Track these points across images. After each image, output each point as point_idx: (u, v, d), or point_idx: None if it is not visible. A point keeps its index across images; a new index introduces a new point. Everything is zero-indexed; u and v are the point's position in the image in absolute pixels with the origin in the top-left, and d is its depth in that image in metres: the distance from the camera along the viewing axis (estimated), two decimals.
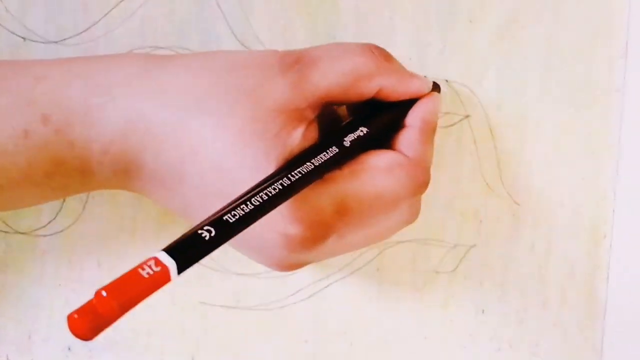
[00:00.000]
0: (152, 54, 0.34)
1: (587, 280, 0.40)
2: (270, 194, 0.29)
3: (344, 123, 0.35)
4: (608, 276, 0.40)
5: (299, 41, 0.39)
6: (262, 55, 0.33)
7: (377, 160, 0.33)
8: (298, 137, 0.31)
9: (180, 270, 0.25)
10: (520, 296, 0.41)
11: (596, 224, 0.40)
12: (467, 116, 0.39)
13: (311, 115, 0.32)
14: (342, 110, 0.37)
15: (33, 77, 0.32)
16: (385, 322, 0.41)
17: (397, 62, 0.35)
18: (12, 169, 0.31)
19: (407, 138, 0.34)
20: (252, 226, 0.28)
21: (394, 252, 0.40)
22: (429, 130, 0.35)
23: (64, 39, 0.39)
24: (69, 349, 0.42)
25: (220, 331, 0.41)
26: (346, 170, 0.32)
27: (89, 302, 0.24)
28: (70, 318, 0.24)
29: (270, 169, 0.30)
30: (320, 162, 0.31)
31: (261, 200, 0.28)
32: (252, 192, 0.29)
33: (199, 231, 0.27)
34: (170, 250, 0.26)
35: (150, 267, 0.25)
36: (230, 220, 0.27)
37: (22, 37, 0.39)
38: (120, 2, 0.39)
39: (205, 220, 0.27)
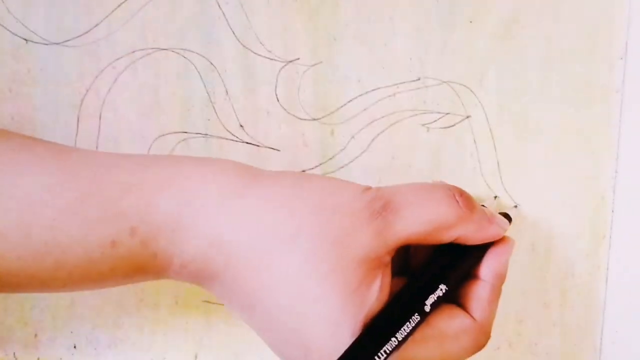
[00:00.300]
0: (246, 168, 0.33)
1: (587, 281, 0.40)
2: None
3: (421, 269, 0.35)
4: (607, 276, 0.40)
5: (299, 41, 0.39)
6: (352, 196, 0.33)
7: (447, 327, 0.33)
8: (376, 290, 0.31)
9: None
10: (520, 296, 0.41)
11: (596, 224, 0.40)
12: (468, 117, 0.39)
13: (388, 258, 0.32)
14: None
15: (119, 188, 0.32)
16: None
17: (479, 210, 0.34)
18: (94, 274, 0.32)
19: (478, 296, 0.34)
20: None
21: None
22: (500, 286, 0.35)
23: (66, 41, 0.39)
24: (75, 347, 0.42)
25: (223, 330, 0.42)
26: (418, 335, 0.32)
27: None
28: None
29: (344, 325, 0.31)
30: (403, 336, 0.31)
31: None
32: None
33: None
34: None
35: None
36: None
37: (24, 39, 0.39)
38: (122, 3, 0.39)
39: None
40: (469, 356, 0.34)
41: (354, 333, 0.31)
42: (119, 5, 0.39)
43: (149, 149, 0.40)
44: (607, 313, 0.41)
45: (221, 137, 0.40)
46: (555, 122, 0.39)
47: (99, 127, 0.39)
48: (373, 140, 0.40)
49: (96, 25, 0.39)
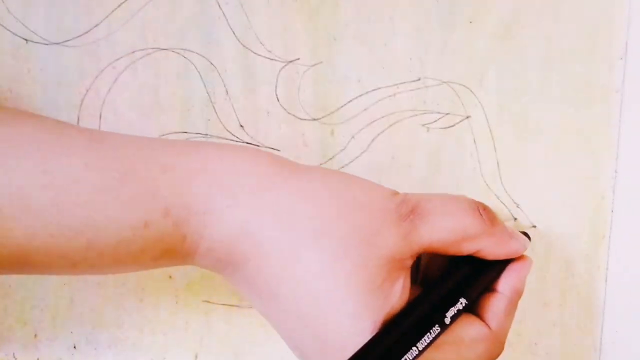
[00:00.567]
0: (280, 159, 0.34)
1: (587, 281, 0.40)
2: None
3: (439, 279, 0.35)
4: (607, 276, 0.40)
5: (299, 41, 0.39)
6: (381, 197, 0.34)
7: (464, 333, 0.34)
8: (399, 289, 0.32)
9: None
10: None
11: (595, 224, 0.40)
12: (468, 117, 0.39)
13: (410, 262, 0.33)
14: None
15: (155, 169, 0.32)
16: None
17: (500, 224, 0.35)
18: (123, 255, 0.32)
19: (496, 308, 0.35)
20: None
21: None
22: (517, 300, 0.36)
23: (66, 41, 0.39)
24: (75, 347, 0.42)
25: (223, 330, 0.42)
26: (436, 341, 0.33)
27: None
28: None
29: (365, 319, 0.31)
30: (424, 346, 0.32)
31: None
32: None
33: None
34: None
35: None
36: None
37: (24, 39, 0.39)
38: (122, 3, 0.39)
39: None
40: None
41: (373, 329, 0.31)
42: (119, 5, 0.39)
43: None
44: (607, 313, 0.41)
45: (221, 137, 0.40)
46: (555, 122, 0.39)
47: (99, 127, 0.39)
48: (373, 140, 0.40)
49: (96, 25, 0.39)
